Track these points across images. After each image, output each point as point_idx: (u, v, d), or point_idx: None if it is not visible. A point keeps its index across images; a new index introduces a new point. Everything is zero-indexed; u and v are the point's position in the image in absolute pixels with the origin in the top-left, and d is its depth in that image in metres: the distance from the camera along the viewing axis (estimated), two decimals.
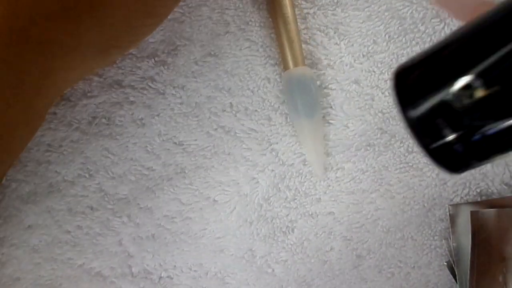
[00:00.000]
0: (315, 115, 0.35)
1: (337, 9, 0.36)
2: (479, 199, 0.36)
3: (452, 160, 0.18)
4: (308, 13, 0.36)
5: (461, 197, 0.37)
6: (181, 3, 0.36)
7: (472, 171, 0.36)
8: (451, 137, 0.18)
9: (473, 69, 0.17)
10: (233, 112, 0.37)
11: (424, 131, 0.18)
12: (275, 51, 0.36)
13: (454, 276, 0.36)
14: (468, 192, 0.37)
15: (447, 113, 0.18)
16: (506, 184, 0.36)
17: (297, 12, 0.36)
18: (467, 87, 0.17)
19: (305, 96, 0.34)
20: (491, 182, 0.37)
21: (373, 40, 0.36)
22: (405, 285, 0.37)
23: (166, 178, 0.37)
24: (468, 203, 0.36)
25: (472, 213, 0.34)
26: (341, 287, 0.37)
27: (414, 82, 0.19)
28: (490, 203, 0.35)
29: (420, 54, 0.19)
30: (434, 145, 0.18)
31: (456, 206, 0.36)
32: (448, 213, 0.36)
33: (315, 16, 0.36)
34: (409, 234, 0.37)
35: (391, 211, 0.37)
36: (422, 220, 0.37)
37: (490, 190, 0.37)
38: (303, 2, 0.36)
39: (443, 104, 0.18)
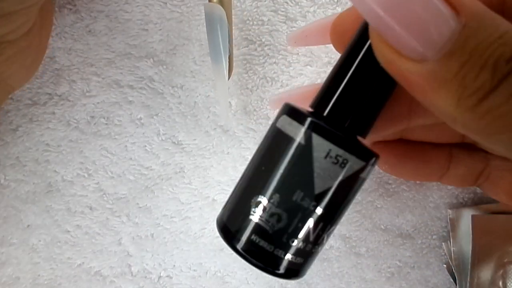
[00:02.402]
0: (219, 61, 0.30)
1: (337, 8, 0.34)
2: (474, 198, 0.35)
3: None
4: (308, 11, 0.34)
5: (456, 195, 0.35)
6: (179, 3, 0.34)
7: None
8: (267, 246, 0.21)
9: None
10: (232, 112, 0.35)
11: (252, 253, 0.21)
12: (274, 49, 0.35)
13: (454, 280, 0.34)
14: (463, 189, 0.35)
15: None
16: None
17: (297, 10, 0.34)
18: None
19: (211, 38, 0.30)
20: None
21: None
22: (405, 285, 0.36)
23: (165, 177, 0.35)
24: (469, 207, 0.34)
25: (473, 217, 0.33)
26: (341, 286, 0.36)
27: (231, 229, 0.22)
28: (491, 208, 0.34)
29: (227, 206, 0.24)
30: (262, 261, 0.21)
31: (456, 210, 0.34)
32: (448, 217, 0.35)
33: (315, 14, 0.34)
34: (407, 232, 0.35)
35: (389, 210, 0.36)
36: (418, 219, 0.35)
37: None
38: (303, 0, 0.34)
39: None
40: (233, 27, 0.34)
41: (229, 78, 0.31)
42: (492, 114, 0.15)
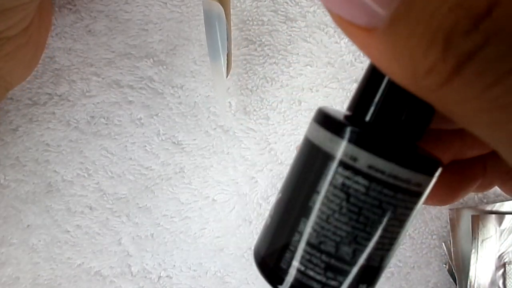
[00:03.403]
0: (218, 59, 0.29)
1: None
2: (475, 198, 0.35)
3: None
4: (308, 11, 0.34)
5: None
6: (179, 3, 0.34)
7: None
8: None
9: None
10: (232, 112, 0.35)
11: None
12: (274, 49, 0.34)
13: (454, 280, 0.34)
14: None
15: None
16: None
17: (297, 10, 0.34)
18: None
19: (209, 35, 0.29)
20: None
21: None
22: (405, 285, 0.35)
23: (165, 177, 0.35)
24: (468, 207, 0.34)
25: (473, 217, 0.33)
26: None
27: (274, 267, 0.17)
28: (491, 208, 0.34)
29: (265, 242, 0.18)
30: None
31: (456, 210, 0.34)
32: (448, 217, 0.35)
33: (315, 15, 0.34)
34: (407, 232, 0.35)
35: None
36: (418, 218, 0.35)
37: None
38: (303, 0, 0.34)
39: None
40: (233, 27, 0.34)
41: (227, 76, 0.31)
42: (459, 106, 0.11)
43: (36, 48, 0.31)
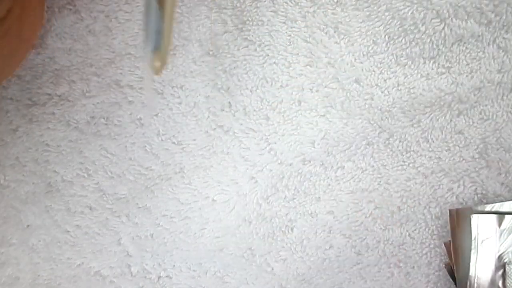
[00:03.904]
0: (150, 43, 0.25)
1: (337, 8, 0.34)
2: (475, 198, 0.35)
3: None
4: (308, 11, 0.34)
5: (456, 195, 0.35)
6: (179, 3, 0.34)
7: (467, 169, 0.35)
8: None
9: None
10: (232, 112, 0.35)
11: None
12: (274, 50, 0.34)
13: (454, 280, 0.34)
14: (463, 190, 0.35)
15: None
16: (500, 183, 0.35)
17: (297, 10, 0.34)
18: None
19: (145, 18, 0.25)
20: (485, 179, 0.35)
21: (373, 40, 0.35)
22: (405, 285, 0.35)
23: (165, 177, 0.35)
24: (468, 207, 0.34)
25: (473, 217, 0.33)
26: (341, 285, 0.36)
27: None
28: (491, 208, 0.34)
29: None
30: None
31: (456, 210, 0.34)
32: (448, 217, 0.35)
33: (315, 15, 0.34)
34: (407, 232, 0.35)
35: (389, 209, 0.35)
36: (419, 218, 0.35)
37: (484, 187, 0.35)
38: (303, 0, 0.34)
39: None
40: (233, 27, 0.34)
41: (164, 67, 0.28)
42: None
43: (18, 42, 0.29)
